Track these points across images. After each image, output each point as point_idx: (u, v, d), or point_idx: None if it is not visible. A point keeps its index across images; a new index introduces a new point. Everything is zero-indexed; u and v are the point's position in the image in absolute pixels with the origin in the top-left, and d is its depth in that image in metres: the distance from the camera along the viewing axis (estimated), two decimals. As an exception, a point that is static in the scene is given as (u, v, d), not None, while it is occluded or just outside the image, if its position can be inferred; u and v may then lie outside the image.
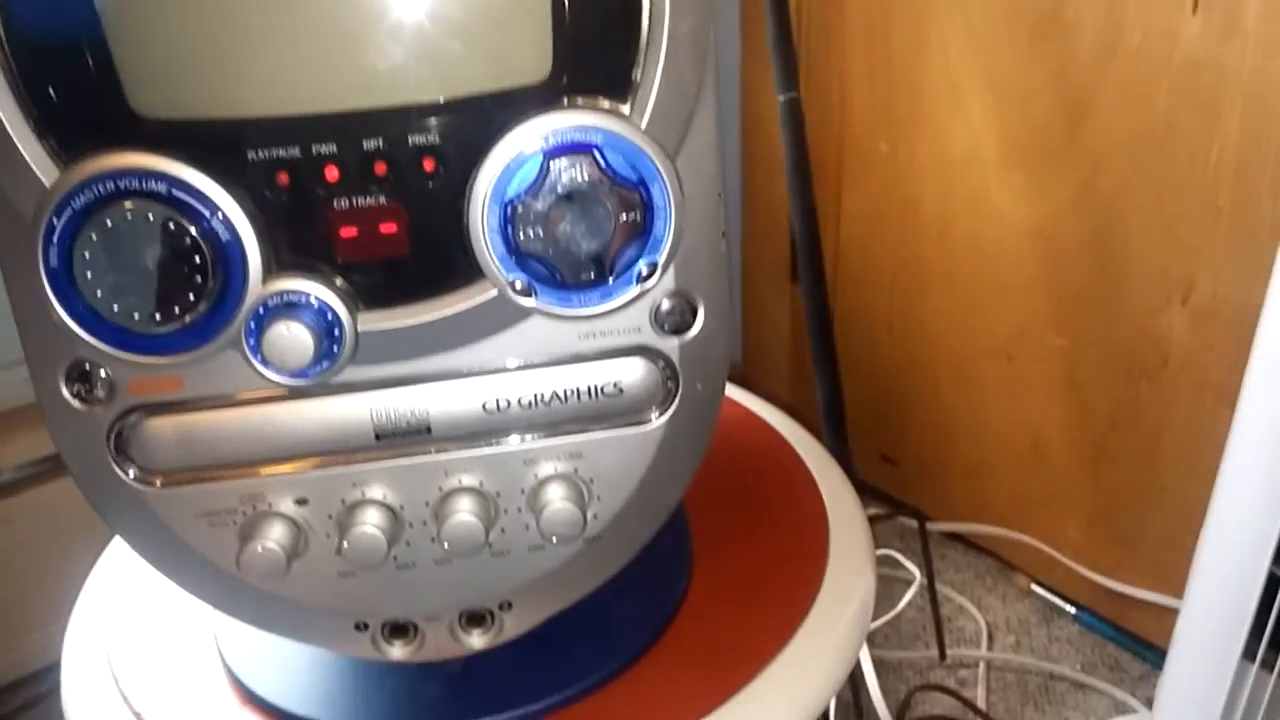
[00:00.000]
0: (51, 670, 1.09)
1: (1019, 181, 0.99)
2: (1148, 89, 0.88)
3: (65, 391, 0.36)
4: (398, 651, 0.42)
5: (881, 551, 1.13)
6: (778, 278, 1.25)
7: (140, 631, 0.50)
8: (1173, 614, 0.79)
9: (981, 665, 1.08)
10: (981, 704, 1.04)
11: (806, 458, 0.60)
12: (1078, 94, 0.93)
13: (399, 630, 0.42)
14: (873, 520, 1.21)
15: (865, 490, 1.26)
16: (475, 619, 0.43)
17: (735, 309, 1.32)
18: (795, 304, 1.25)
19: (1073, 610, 1.13)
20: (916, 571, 1.10)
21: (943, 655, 1.08)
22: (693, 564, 0.51)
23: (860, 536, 0.55)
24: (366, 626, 0.42)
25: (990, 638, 1.12)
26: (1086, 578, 1.09)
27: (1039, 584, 1.16)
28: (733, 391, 0.65)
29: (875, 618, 1.05)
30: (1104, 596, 1.09)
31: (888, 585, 1.13)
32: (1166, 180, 0.89)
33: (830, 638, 0.49)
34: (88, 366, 0.36)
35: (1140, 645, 1.08)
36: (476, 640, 0.43)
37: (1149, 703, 1.02)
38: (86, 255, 0.33)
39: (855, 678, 1.02)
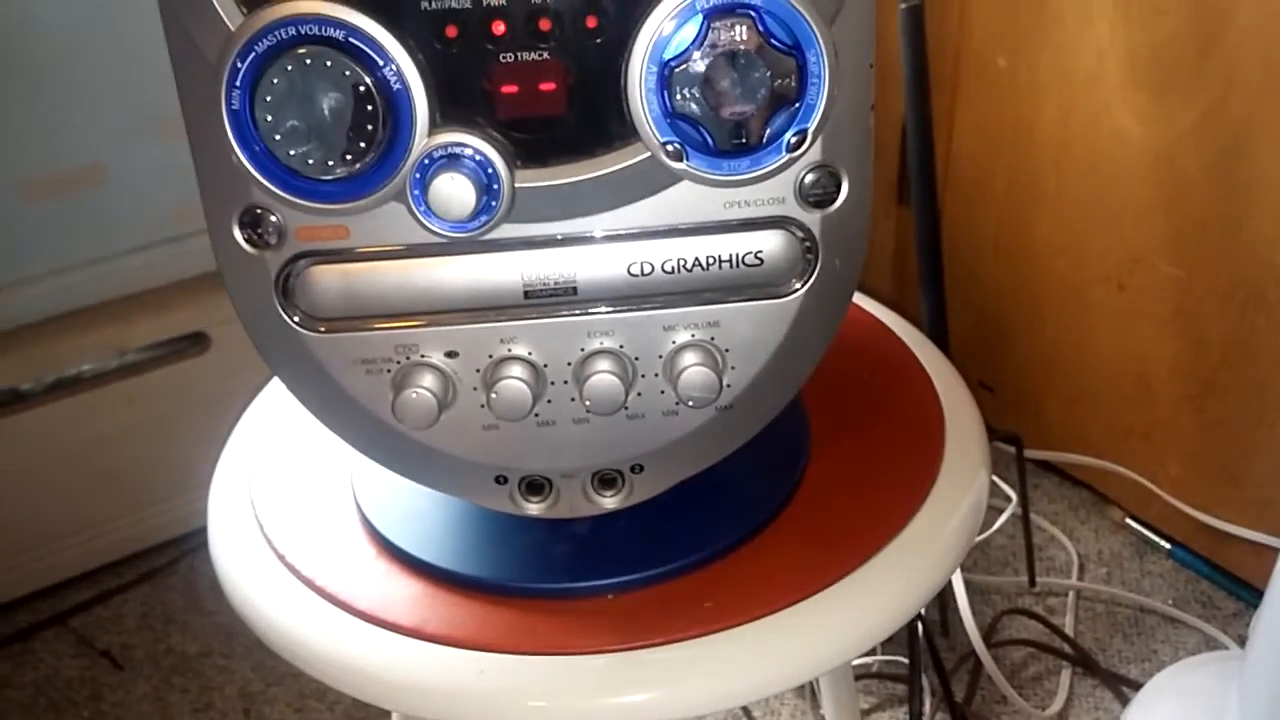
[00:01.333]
0: (173, 542, 1.15)
1: (1144, 102, 0.96)
2: (1289, 5, 0.84)
3: (238, 235, 0.38)
4: (534, 507, 0.44)
5: (976, 474, 1.12)
6: (884, 198, 1.24)
7: (282, 485, 0.52)
8: (1273, 553, 0.77)
9: (1071, 594, 1.08)
10: (1069, 632, 1.04)
11: (922, 358, 0.60)
12: (1212, 11, 0.89)
13: (535, 487, 0.44)
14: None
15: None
16: (607, 481, 0.44)
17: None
18: (900, 226, 1.23)
19: (1167, 545, 1.11)
20: (1011, 493, 1.10)
21: (1032, 582, 1.08)
22: (810, 450, 0.52)
23: (976, 434, 0.55)
24: (506, 480, 0.43)
25: (1081, 568, 1.11)
26: (1184, 513, 1.08)
27: (1134, 518, 1.14)
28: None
29: (966, 539, 1.05)
30: (1201, 533, 1.08)
31: (978, 511, 1.13)
32: (1303, 102, 0.86)
33: (942, 531, 0.50)
34: (260, 211, 0.37)
35: (1235, 583, 1.07)
36: (608, 501, 0.44)
37: (1241, 641, 1.01)
38: (267, 99, 0.34)
39: (944, 597, 1.03)
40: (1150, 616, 1.06)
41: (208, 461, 0.55)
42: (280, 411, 0.57)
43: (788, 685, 0.46)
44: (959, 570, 1.00)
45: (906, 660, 0.94)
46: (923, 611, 0.97)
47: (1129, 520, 1.14)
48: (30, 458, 1.04)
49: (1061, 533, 1.15)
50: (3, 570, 1.07)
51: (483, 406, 0.41)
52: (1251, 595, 1.04)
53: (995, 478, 1.11)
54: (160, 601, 1.11)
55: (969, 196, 1.16)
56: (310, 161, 0.35)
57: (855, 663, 0.99)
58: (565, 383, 0.41)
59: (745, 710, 0.98)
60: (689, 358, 0.41)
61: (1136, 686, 0.95)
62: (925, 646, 0.86)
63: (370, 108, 0.34)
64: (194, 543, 1.13)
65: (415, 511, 0.49)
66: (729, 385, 0.42)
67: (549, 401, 0.41)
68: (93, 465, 1.07)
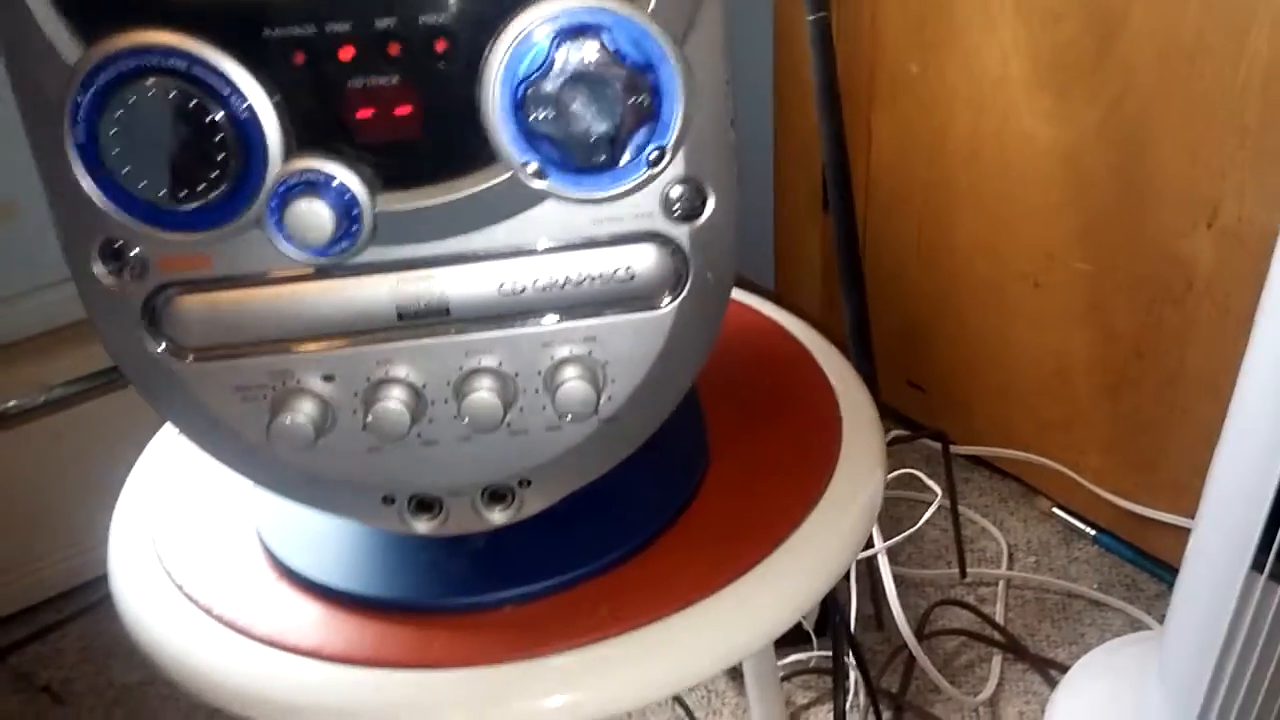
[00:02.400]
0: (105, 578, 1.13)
1: (1048, 104, 0.98)
2: (1177, 7, 0.87)
3: (99, 269, 0.38)
4: (423, 525, 0.44)
5: (905, 471, 1.14)
6: (810, 208, 1.26)
7: (182, 516, 0.52)
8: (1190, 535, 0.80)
9: (1001, 584, 1.10)
10: (1000, 620, 1.06)
11: (824, 363, 0.61)
12: (1106, 14, 0.91)
13: (424, 505, 0.44)
14: (896, 442, 1.22)
15: (891, 415, 1.27)
16: (497, 496, 0.45)
17: (767, 239, 1.33)
18: (827, 234, 1.25)
19: (1092, 532, 1.14)
20: (939, 490, 1.12)
21: (963, 573, 1.10)
22: (710, 456, 0.53)
23: (872, 435, 0.56)
24: (393, 500, 0.44)
25: (1010, 558, 1.13)
26: (1107, 500, 1.10)
27: (1060, 507, 1.17)
28: (755, 302, 0.67)
29: (896, 533, 1.07)
30: (1124, 519, 1.10)
31: (911, 507, 1.15)
32: (1194, 101, 0.88)
33: (839, 526, 0.51)
34: (119, 245, 0.37)
35: (1158, 566, 1.10)
36: (498, 516, 0.45)
37: (1163, 620, 1.04)
38: (112, 133, 0.34)
39: (877, 593, 1.04)
40: (1077, 601, 1.09)
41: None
42: (181, 443, 0.57)
43: (687, 684, 0.47)
44: (888, 565, 1.02)
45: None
46: (854, 606, 0.99)
47: (1055, 509, 1.17)
48: (-41, 496, 1.02)
49: (992, 524, 1.17)
50: (-62, 610, 1.05)
51: (364, 429, 0.41)
52: (1173, 577, 1.07)
53: (923, 475, 1.13)
54: (100, 634, 1.10)
55: (889, 203, 1.18)
56: (161, 193, 0.35)
57: (791, 659, 1.00)
58: (446, 402, 0.41)
59: (687, 711, 0.99)
60: (568, 372, 0.41)
61: (1064, 669, 0.98)
62: (849, 642, 0.87)
63: (220, 137, 0.35)
64: (130, 575, 1.12)
65: (313, 535, 0.49)
66: (610, 398, 0.42)
67: (430, 421, 0.42)
68: (24, 501, 1.05)
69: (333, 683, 0.44)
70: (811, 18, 0.91)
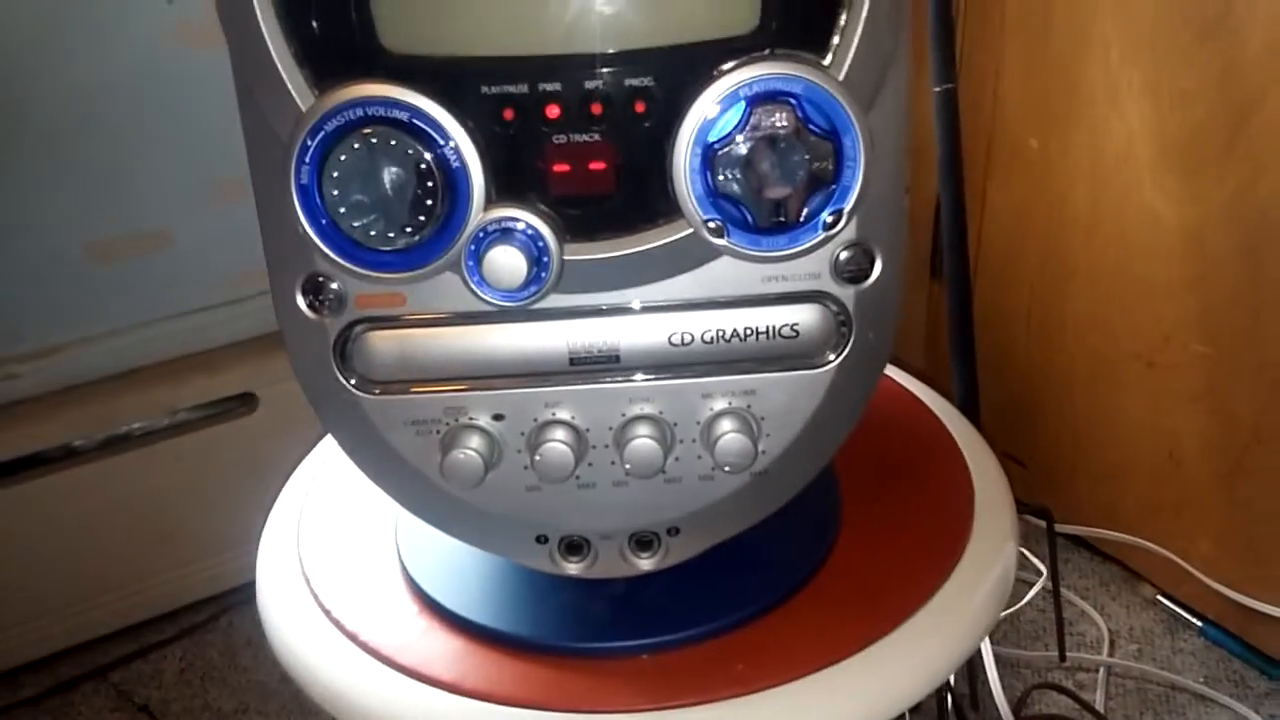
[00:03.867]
0: (213, 599, 1.15)
1: (1173, 184, 0.97)
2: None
3: (300, 301, 0.40)
4: (573, 567, 0.45)
5: (1006, 547, 1.12)
6: (917, 274, 1.26)
7: (329, 541, 0.54)
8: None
9: (1101, 670, 1.07)
10: (1100, 708, 1.03)
11: (953, 430, 0.61)
12: (1242, 96, 0.91)
13: (574, 548, 0.45)
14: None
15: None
16: (644, 543, 0.45)
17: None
18: (933, 301, 1.25)
19: (1199, 623, 1.10)
20: (1042, 567, 1.09)
21: (1062, 656, 1.07)
22: (842, 519, 0.53)
23: (1005, 505, 0.56)
24: (546, 540, 0.45)
25: (1112, 644, 1.10)
26: (1215, 591, 1.07)
27: (1165, 595, 1.13)
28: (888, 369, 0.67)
29: (996, 612, 1.05)
30: (1232, 611, 1.07)
31: (1009, 584, 1.13)
32: (1331, 185, 0.87)
33: (969, 601, 0.50)
34: (321, 279, 0.39)
35: (1267, 662, 1.05)
36: (645, 562, 0.46)
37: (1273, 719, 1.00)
38: (334, 174, 0.37)
39: (973, 670, 1.02)
40: (1181, 695, 1.05)
41: (250, 519, 0.57)
42: (328, 471, 0.59)
43: (818, 749, 0.47)
44: (989, 643, 1.00)
45: (936, 734, 0.93)
46: (952, 683, 0.96)
47: (1160, 597, 1.13)
48: (80, 512, 1.06)
49: (1092, 608, 1.14)
50: (48, 623, 1.08)
51: (526, 468, 0.42)
52: (1286, 676, 1.03)
53: (1026, 551, 1.11)
54: (199, 657, 1.12)
55: (1001, 273, 1.17)
56: (372, 233, 0.37)
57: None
58: (606, 446, 0.43)
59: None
60: (725, 424, 0.42)
61: (1170, 767, 0.94)
62: (954, 718, 0.85)
63: (430, 184, 0.37)
64: (233, 600, 1.15)
65: (457, 569, 0.50)
66: (764, 452, 0.43)
67: (590, 464, 0.43)
68: (139, 521, 1.09)
69: (470, 718, 0.45)
70: (938, 89, 0.92)
